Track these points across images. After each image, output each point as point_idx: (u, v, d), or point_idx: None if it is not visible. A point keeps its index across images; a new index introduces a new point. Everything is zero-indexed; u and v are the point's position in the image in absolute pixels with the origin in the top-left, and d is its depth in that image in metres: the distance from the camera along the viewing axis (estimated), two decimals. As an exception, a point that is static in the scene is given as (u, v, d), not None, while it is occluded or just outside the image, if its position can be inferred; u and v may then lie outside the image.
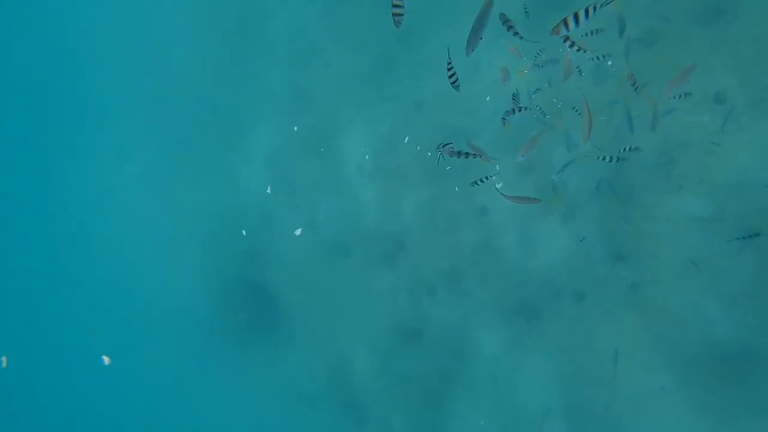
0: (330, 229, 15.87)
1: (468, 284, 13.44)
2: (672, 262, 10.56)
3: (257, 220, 17.53)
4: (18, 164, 24.74)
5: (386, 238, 14.79)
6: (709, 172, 9.91)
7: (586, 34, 6.65)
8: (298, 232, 14.38)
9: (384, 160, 14.84)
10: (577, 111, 8.91)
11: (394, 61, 14.74)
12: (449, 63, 4.35)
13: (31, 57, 23.55)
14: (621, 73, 10.84)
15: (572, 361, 12.05)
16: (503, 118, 7.53)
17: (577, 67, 7.72)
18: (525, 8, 8.11)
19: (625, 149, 6.67)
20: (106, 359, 13.38)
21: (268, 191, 15.59)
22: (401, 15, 3.73)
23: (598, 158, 6.36)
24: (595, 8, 3.40)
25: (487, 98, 12.41)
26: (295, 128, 14.59)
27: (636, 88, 6.16)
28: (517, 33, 4.43)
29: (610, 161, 6.27)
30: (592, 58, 6.45)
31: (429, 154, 13.19)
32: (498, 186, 12.26)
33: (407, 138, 13.01)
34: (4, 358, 14.24)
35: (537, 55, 8.67)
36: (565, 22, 3.55)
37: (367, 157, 13.18)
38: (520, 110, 6.05)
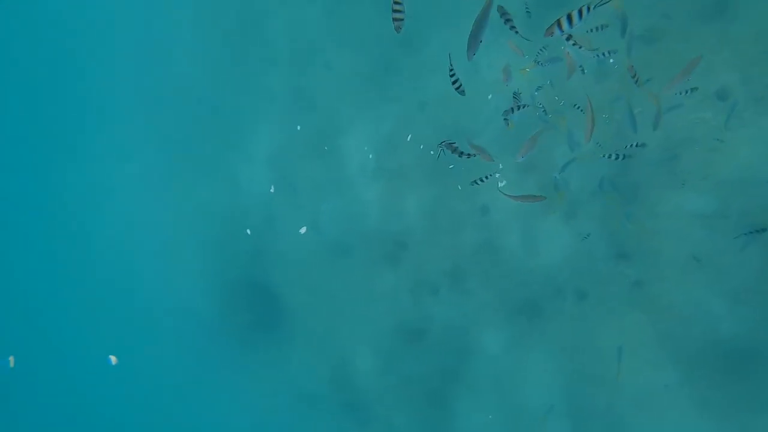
0: (333, 229, 15.84)
1: (470, 284, 13.42)
2: (675, 258, 10.56)
3: (259, 221, 17.50)
4: (18, 164, 24.70)
5: (389, 238, 14.77)
6: (712, 169, 9.91)
7: (591, 30, 6.64)
8: (303, 230, 14.36)
9: (386, 160, 14.82)
10: (579, 109, 8.90)
11: (395, 62, 14.73)
12: (451, 69, 4.37)
13: (30, 57, 23.52)
14: (623, 70, 10.84)
15: (575, 359, 12.04)
16: (505, 119, 7.52)
17: (580, 66, 7.72)
18: (526, 8, 8.11)
19: (631, 146, 6.66)
20: (113, 359, 13.32)
21: (272, 191, 15.57)
22: (402, 20, 3.73)
23: (603, 156, 6.35)
24: (588, 9, 3.38)
25: (489, 97, 12.42)
26: (299, 127, 14.57)
27: (636, 81, 6.16)
28: (514, 27, 4.43)
29: (616, 159, 6.26)
30: (597, 55, 6.44)
31: (432, 152, 13.19)
32: (501, 184, 12.25)
33: (410, 136, 13.00)
34: (11, 358, 14.16)
35: (539, 53, 8.67)
36: (558, 23, 3.54)
37: (371, 156, 13.16)
38: (519, 108, 6.04)
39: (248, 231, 15.93)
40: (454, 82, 4.37)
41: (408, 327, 14.55)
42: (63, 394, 23.99)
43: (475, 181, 6.18)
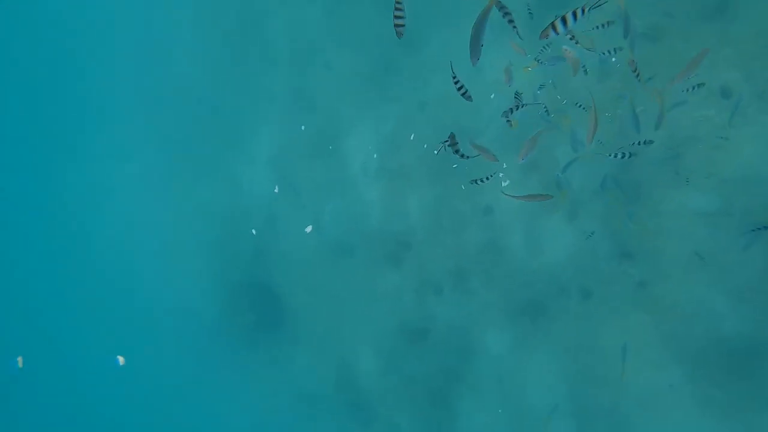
0: (335, 230, 15.82)
1: (473, 283, 13.39)
2: (679, 257, 10.54)
3: (261, 221, 17.47)
4: (18, 165, 24.66)
5: (391, 238, 14.74)
6: (715, 167, 9.90)
7: (597, 27, 6.62)
8: (308, 229, 14.33)
9: (388, 160, 14.80)
10: (581, 107, 8.87)
11: (395, 62, 14.72)
12: (455, 77, 4.38)
13: (30, 57, 23.48)
14: (625, 68, 10.83)
15: (579, 359, 12.01)
16: (507, 120, 7.49)
17: (583, 66, 7.71)
18: (529, 9, 8.11)
19: (638, 143, 6.63)
20: (120, 359, 13.30)
21: (276, 191, 15.54)
22: (403, 25, 3.75)
23: (609, 155, 6.32)
24: (583, 11, 3.35)
25: (492, 96, 12.40)
26: (303, 127, 14.55)
27: (638, 76, 6.15)
28: (512, 21, 4.42)
29: (623, 157, 6.23)
30: (602, 53, 6.42)
31: (435, 152, 13.17)
32: (504, 184, 12.23)
33: (413, 135, 12.98)
34: (20, 359, 14.10)
35: (541, 51, 8.65)
36: (553, 25, 3.52)
37: (375, 155, 13.14)
38: (518, 108, 6.01)
39: (253, 231, 15.90)
40: (459, 89, 4.38)
41: (411, 327, 14.52)
42: (64, 394, 23.94)
43: (476, 181, 6.15)
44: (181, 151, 19.70)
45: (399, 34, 3.78)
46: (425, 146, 13.40)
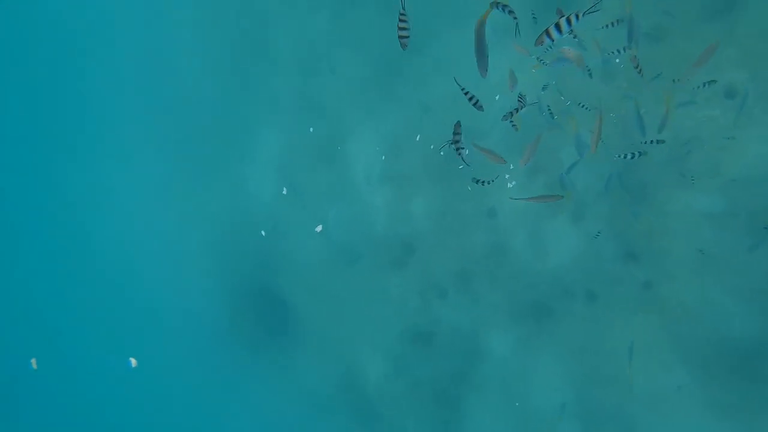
0: (340, 233, 15.85)
1: (478, 286, 13.38)
2: (685, 258, 10.49)
3: (267, 226, 17.54)
4: (25, 171, 24.89)
5: (396, 241, 14.76)
6: (721, 167, 9.86)
7: (605, 26, 6.64)
8: (318, 228, 14.37)
9: (393, 164, 14.83)
10: (585, 108, 8.87)
11: (399, 65, 14.78)
12: (464, 89, 4.45)
13: (34, 62, 23.72)
14: (629, 69, 10.82)
15: (585, 361, 11.95)
16: (512, 123, 7.50)
17: (588, 69, 7.72)
18: (533, 14, 8.13)
19: (649, 142, 6.62)
20: (133, 361, 13.38)
21: (284, 192, 15.60)
22: (407, 37, 3.82)
23: (619, 156, 6.32)
24: (578, 17, 3.37)
25: (497, 98, 12.42)
26: (311, 129, 14.61)
27: (640, 72, 6.15)
28: (512, 12, 4.46)
29: (633, 157, 6.23)
30: (609, 53, 6.43)
31: (441, 153, 13.20)
32: (510, 186, 12.23)
33: (418, 137, 13.02)
34: (33, 360, 14.18)
35: (545, 52, 8.66)
36: (547, 32, 3.54)
37: (383, 157, 13.18)
38: (518, 111, 6.04)
39: (263, 232, 15.95)
40: (470, 99, 4.46)
41: (417, 330, 14.51)
42: (72, 398, 24.05)
43: (478, 181, 6.13)
44: (186, 156, 19.82)
45: (403, 46, 3.86)
46: (431, 147, 13.44)
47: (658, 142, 6.55)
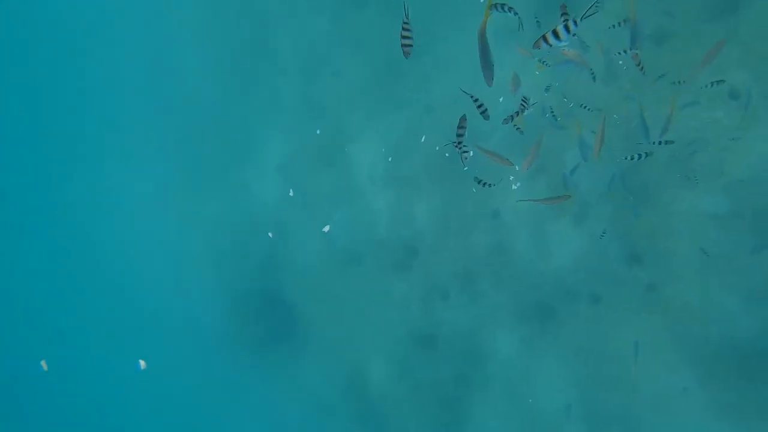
0: (344, 236, 15.86)
1: (482, 287, 13.37)
2: (689, 259, 10.47)
3: (271, 230, 17.55)
4: (30, 179, 24.94)
5: (400, 244, 14.76)
6: (725, 168, 9.84)
7: (612, 26, 6.63)
8: (326, 229, 14.38)
9: (396, 166, 14.84)
10: (588, 109, 8.87)
11: (401, 66, 14.79)
12: (473, 97, 4.48)
13: (38, 68, 23.78)
14: (632, 71, 10.81)
15: (589, 362, 11.93)
16: (516, 127, 7.49)
17: (592, 72, 7.71)
18: (536, 18, 8.15)
19: (655, 143, 6.61)
20: (142, 363, 13.38)
21: (291, 194, 15.62)
22: (411, 46, 3.84)
23: (625, 158, 6.31)
24: (576, 23, 3.35)
25: (500, 99, 12.44)
26: (318, 131, 14.63)
27: (642, 69, 6.13)
28: (511, 9, 4.47)
29: (639, 158, 6.22)
30: (618, 53, 6.43)
31: (447, 155, 13.20)
32: (514, 187, 12.24)
33: (423, 138, 13.02)
34: (43, 362, 14.21)
35: (548, 53, 8.66)
36: (544, 38, 3.56)
37: (390, 159, 13.18)
38: (518, 114, 6.03)
39: (270, 234, 15.96)
40: (479, 107, 4.48)
41: (420, 333, 14.51)
42: (73, 399, 24.07)
43: (480, 181, 6.10)
44: (190, 160, 19.86)
45: (406, 54, 3.88)
46: (437, 148, 13.44)
47: (666, 142, 6.53)
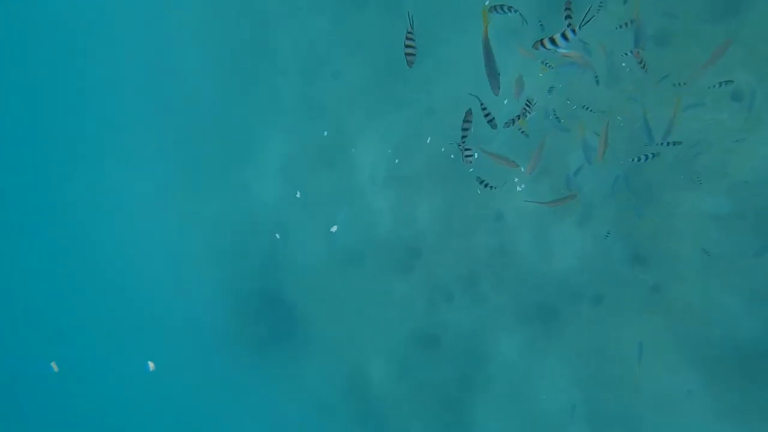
0: (346, 237, 15.84)
1: (485, 288, 13.37)
2: (692, 260, 10.48)
3: (272, 230, 17.52)
4: (29, 180, 24.87)
5: (402, 245, 14.74)
6: (728, 169, 9.85)
7: (619, 27, 6.61)
8: (333, 229, 14.36)
9: (398, 167, 14.81)
10: (590, 110, 8.86)
11: (402, 67, 14.75)
12: (482, 105, 4.45)
13: (39, 74, 23.69)
14: (635, 72, 10.80)
15: (593, 364, 11.95)
16: (521, 131, 7.46)
17: (595, 76, 7.69)
18: (540, 23, 8.12)
19: (662, 144, 6.60)
20: (151, 365, 13.38)
21: (298, 195, 15.60)
22: (414, 55, 3.82)
23: (632, 160, 6.30)
24: (574, 31, 3.34)
25: (505, 102, 12.41)
26: (325, 133, 14.59)
27: (644, 67, 6.11)
28: (511, 8, 4.46)
29: (645, 160, 6.21)
30: (624, 54, 6.41)
31: (452, 156, 13.18)
32: (519, 189, 12.23)
33: (429, 139, 13.00)
34: (53, 363, 14.16)
35: (550, 54, 8.62)
36: (542, 42, 3.56)
37: (396, 161, 13.16)
38: (519, 118, 5.99)
39: (277, 235, 15.93)
40: (486, 116, 4.48)
41: (422, 333, 14.50)
42: (75, 400, 24.05)
43: (482, 181, 6.06)
44: (190, 161, 19.80)
45: (410, 64, 3.88)
46: (443, 149, 13.42)
47: (674, 143, 6.51)
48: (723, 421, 10.40)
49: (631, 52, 6.36)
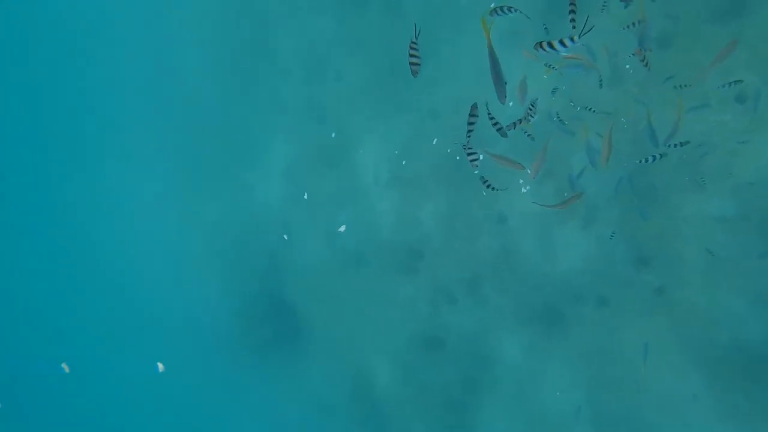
0: (350, 240, 15.82)
1: (488, 290, 13.35)
2: (697, 263, 10.47)
3: (276, 233, 17.51)
4: (33, 184, 24.87)
5: (405, 246, 14.72)
6: (732, 171, 9.83)
7: (627, 27, 6.60)
8: (342, 228, 14.35)
9: (401, 169, 14.79)
10: (593, 111, 8.84)
11: (405, 69, 14.74)
12: (490, 115, 4.49)
13: (42, 72, 23.69)
14: (638, 74, 10.78)
15: (597, 366, 11.93)
16: (527, 134, 7.42)
17: (600, 78, 7.69)
18: (545, 26, 8.11)
19: (670, 145, 6.58)
20: (160, 366, 13.41)
21: (306, 197, 15.59)
22: (419, 65, 3.86)
23: (639, 161, 6.28)
24: (572, 39, 3.43)
25: (510, 104, 12.40)
26: (333, 134, 14.58)
27: (646, 65, 6.10)
28: (510, 8, 4.47)
29: (653, 161, 6.20)
30: (632, 54, 6.40)
31: (458, 158, 13.17)
32: (524, 190, 12.21)
33: (435, 140, 12.98)
34: (64, 365, 14.19)
35: (553, 55, 8.61)
36: (541, 45, 3.64)
37: (404, 162, 13.13)
38: (520, 122, 6.00)
39: (285, 236, 15.93)
40: (494, 125, 4.51)
41: (426, 336, 14.48)
42: (82, 406, 24.05)
43: (485, 181, 6.06)
44: (193, 163, 19.80)
45: (414, 73, 3.92)
46: (449, 150, 13.40)
47: (681, 144, 6.50)
48: (726, 423, 10.39)
49: (634, 54, 6.34)
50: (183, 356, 20.81)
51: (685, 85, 7.19)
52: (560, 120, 8.56)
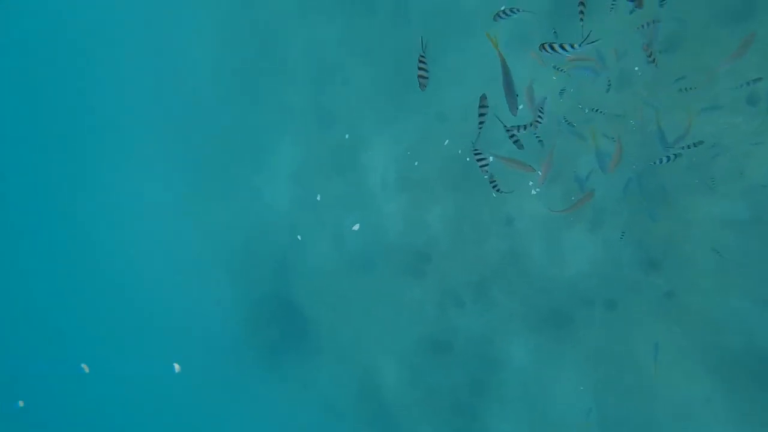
0: (357, 243, 15.88)
1: (496, 294, 13.33)
2: (707, 266, 10.39)
3: (284, 237, 17.61)
4: (41, 189, 25.14)
5: (413, 250, 14.75)
6: (743, 174, 9.77)
7: (641, 26, 6.62)
8: (356, 227, 14.40)
9: (410, 171, 14.84)
10: (601, 113, 8.83)
11: (413, 73, 14.82)
12: (506, 127, 4.59)
13: (49, 77, 23.99)
14: (647, 75, 10.77)
15: (606, 369, 11.86)
16: (538, 138, 7.45)
17: (608, 81, 7.70)
18: (554, 30, 8.15)
19: (687, 146, 6.58)
20: (176, 367, 13.51)
21: (318, 198, 15.68)
22: (426, 78, 3.91)
23: (654, 163, 6.28)
24: (573, 46, 3.55)
25: (520, 107, 12.42)
26: (347, 136, 14.66)
27: (653, 61, 6.10)
28: (514, 9, 4.54)
29: (668, 161, 6.19)
30: (648, 56, 6.42)
31: (468, 159, 13.20)
32: (534, 193, 12.22)
33: (447, 141, 13.01)
34: (84, 365, 14.36)
35: (558, 58, 8.63)
36: (543, 47, 3.74)
37: (416, 163, 13.18)
38: (525, 127, 6.01)
39: (299, 237, 15.99)
40: (511, 137, 4.56)
41: (434, 338, 14.48)
42: (89, 408, 24.20)
43: (492, 181, 6.08)
44: (202, 168, 19.97)
45: (422, 86, 3.95)
46: (459, 152, 13.43)
47: (695, 145, 6.48)
48: (736, 428, 10.28)
49: (644, 48, 6.35)
50: (191, 358, 20.92)
51: (692, 88, 7.20)
52: (569, 123, 8.57)
